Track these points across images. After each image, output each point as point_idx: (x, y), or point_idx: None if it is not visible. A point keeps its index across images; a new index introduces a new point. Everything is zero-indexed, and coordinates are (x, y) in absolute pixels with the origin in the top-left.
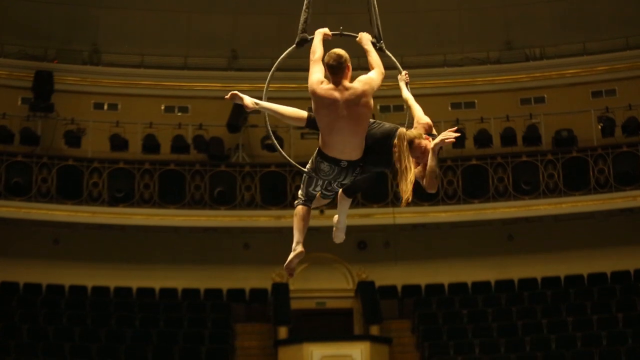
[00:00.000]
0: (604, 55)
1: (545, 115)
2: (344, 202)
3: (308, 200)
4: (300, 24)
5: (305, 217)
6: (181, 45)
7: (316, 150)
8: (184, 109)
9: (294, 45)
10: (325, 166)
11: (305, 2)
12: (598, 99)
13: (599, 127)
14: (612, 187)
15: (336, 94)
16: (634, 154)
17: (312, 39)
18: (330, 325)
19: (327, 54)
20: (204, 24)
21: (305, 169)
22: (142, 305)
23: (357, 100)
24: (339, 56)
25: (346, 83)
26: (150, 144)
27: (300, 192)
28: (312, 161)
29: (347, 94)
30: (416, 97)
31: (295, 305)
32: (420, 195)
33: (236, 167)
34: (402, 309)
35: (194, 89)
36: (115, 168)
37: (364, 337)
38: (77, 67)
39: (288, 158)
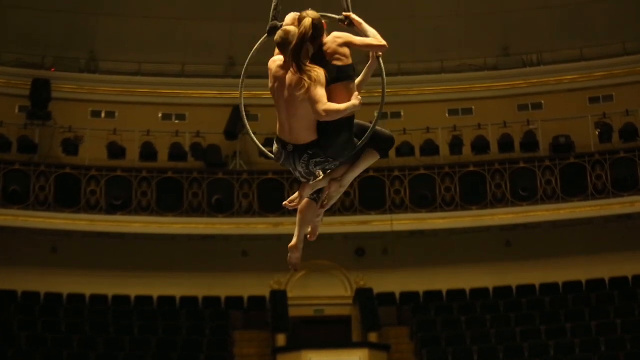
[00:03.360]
0: (602, 61)
1: (542, 121)
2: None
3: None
4: (271, 10)
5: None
6: (178, 52)
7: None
8: (181, 117)
9: (266, 35)
10: (275, 149)
11: None
12: (595, 104)
13: (597, 133)
14: (610, 193)
15: (282, 72)
16: (631, 159)
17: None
18: (328, 332)
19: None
20: (201, 31)
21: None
22: (141, 313)
23: (293, 85)
24: (285, 32)
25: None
26: (148, 151)
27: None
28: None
29: (290, 74)
30: (414, 103)
31: (293, 312)
32: (418, 203)
33: (234, 175)
34: (401, 315)
35: (191, 97)
36: (113, 176)
37: (363, 344)
38: (74, 75)
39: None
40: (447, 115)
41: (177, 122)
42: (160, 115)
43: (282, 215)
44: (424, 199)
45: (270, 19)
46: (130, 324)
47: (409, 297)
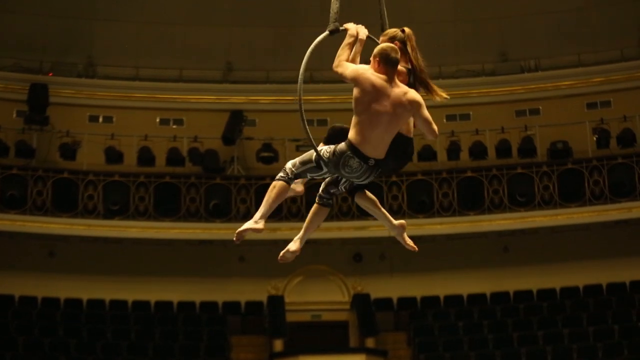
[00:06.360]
0: (599, 67)
1: (540, 126)
2: (368, 205)
3: (294, 178)
4: (332, 13)
5: (282, 195)
6: (176, 57)
7: (345, 144)
8: (179, 122)
9: (327, 32)
10: (354, 162)
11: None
12: (593, 110)
13: (594, 138)
14: (607, 198)
15: (388, 87)
16: (629, 165)
17: (342, 30)
18: (325, 337)
19: (384, 45)
20: (198, 36)
21: (322, 155)
22: (138, 318)
23: (406, 102)
24: (397, 51)
25: (397, 80)
26: (146, 156)
27: (291, 167)
28: (334, 153)
29: (398, 91)
30: None
31: (290, 317)
32: (416, 208)
33: (231, 180)
34: (398, 321)
35: (189, 102)
36: (111, 181)
37: (360, 349)
38: (72, 79)
39: (310, 136)
40: (444, 120)
41: (174, 127)
42: (157, 120)
43: (280, 220)
44: (421, 205)
45: (333, 20)
46: (128, 329)
47: (407, 302)
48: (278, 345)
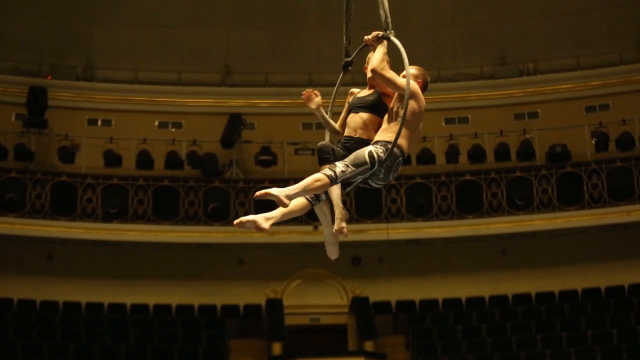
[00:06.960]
0: (598, 70)
1: (539, 130)
2: (325, 209)
3: (337, 182)
4: (387, 19)
5: (321, 189)
6: (175, 60)
7: (397, 150)
8: (177, 125)
9: (390, 36)
10: (399, 168)
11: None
12: (592, 114)
13: (593, 142)
14: (606, 202)
15: None
16: (627, 169)
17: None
18: (324, 341)
19: (422, 71)
20: (197, 39)
21: (380, 156)
22: (136, 321)
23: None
24: None
25: None
26: (144, 159)
27: (343, 169)
28: (389, 157)
29: None
30: None
31: (289, 321)
32: (414, 211)
33: (230, 183)
34: (397, 324)
35: (187, 105)
36: (109, 184)
37: (358, 352)
38: (71, 83)
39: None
40: (443, 124)
41: (173, 130)
42: (156, 123)
43: (278, 224)
44: (420, 208)
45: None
46: (126, 332)
47: (405, 305)
48: (277, 348)
